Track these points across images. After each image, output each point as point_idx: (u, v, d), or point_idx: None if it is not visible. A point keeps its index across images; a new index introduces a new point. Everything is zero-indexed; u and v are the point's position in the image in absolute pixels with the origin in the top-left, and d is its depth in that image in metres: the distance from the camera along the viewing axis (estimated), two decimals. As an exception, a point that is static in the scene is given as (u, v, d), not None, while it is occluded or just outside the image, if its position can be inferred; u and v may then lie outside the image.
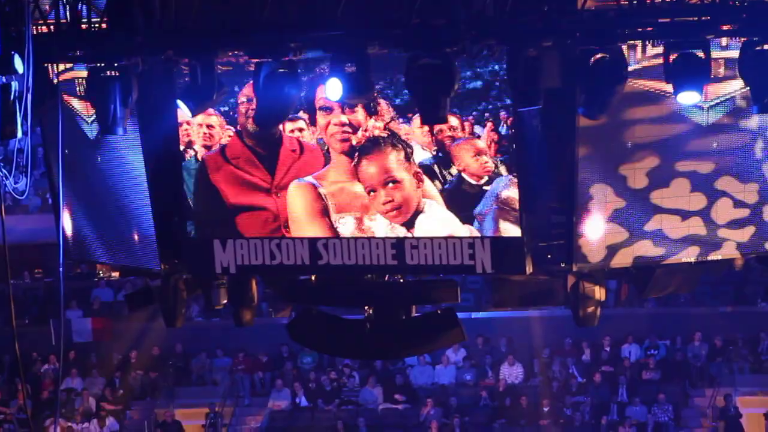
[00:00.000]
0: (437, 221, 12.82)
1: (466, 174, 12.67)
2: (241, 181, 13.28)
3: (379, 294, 13.85)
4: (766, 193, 12.54)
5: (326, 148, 12.96)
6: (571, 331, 26.34)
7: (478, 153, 12.60)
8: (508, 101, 12.41)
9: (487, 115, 12.51)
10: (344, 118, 12.81)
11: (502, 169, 12.57)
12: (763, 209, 12.59)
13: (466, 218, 12.72)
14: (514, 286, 13.44)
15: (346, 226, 13.04)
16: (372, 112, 12.75)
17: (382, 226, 12.93)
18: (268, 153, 13.14)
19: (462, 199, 12.73)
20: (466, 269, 12.85)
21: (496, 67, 12.22)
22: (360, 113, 12.77)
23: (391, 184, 12.85)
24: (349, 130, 12.84)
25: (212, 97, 12.25)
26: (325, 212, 13.11)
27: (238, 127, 13.16)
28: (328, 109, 12.82)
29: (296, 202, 13.19)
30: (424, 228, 12.83)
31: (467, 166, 12.66)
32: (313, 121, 12.92)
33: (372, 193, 12.90)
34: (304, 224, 13.20)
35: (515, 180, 12.50)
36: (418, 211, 12.83)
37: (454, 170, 12.70)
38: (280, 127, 12.99)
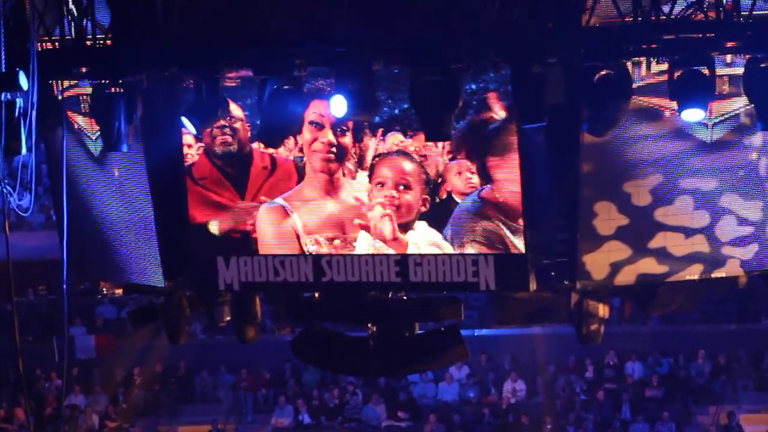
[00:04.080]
0: (426, 244, 12.80)
1: (455, 194, 12.66)
2: (207, 201, 13.24)
3: (383, 311, 13.81)
4: (770, 210, 12.55)
5: (303, 164, 12.94)
6: (574, 348, 26.28)
7: (461, 171, 12.59)
8: None
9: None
10: (333, 139, 12.78)
11: None
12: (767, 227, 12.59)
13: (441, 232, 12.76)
14: (518, 303, 13.43)
15: (317, 247, 13.00)
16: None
17: (363, 244, 12.91)
18: (238, 172, 13.09)
19: (445, 216, 12.74)
20: (470, 286, 12.83)
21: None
22: (349, 137, 12.76)
23: (402, 187, 12.77)
24: (335, 151, 12.81)
25: (217, 114, 12.25)
26: (294, 235, 13.08)
27: (206, 146, 13.16)
28: (318, 126, 12.79)
29: (265, 225, 13.14)
30: (411, 248, 12.83)
31: (453, 186, 12.66)
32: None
33: (380, 186, 12.81)
34: (273, 247, 13.15)
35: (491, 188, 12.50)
36: (408, 225, 12.83)
37: (444, 192, 12.70)
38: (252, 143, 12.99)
